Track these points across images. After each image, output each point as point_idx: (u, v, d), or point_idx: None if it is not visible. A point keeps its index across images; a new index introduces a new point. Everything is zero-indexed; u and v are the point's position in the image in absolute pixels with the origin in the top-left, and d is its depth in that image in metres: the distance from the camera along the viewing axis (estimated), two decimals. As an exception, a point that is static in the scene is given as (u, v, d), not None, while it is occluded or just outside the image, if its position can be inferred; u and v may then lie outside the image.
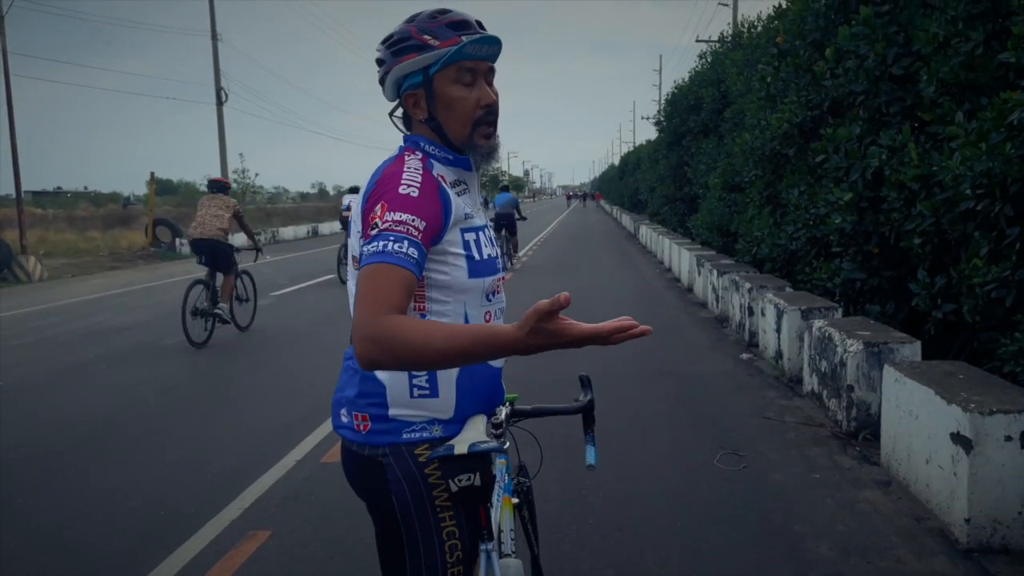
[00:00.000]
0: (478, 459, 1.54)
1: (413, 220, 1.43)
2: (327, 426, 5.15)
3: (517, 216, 16.54)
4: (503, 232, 16.18)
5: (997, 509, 3.29)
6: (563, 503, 3.88)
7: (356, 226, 1.55)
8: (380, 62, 1.61)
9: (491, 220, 24.70)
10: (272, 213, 44.42)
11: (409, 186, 1.48)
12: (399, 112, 1.68)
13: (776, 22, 9.20)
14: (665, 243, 16.32)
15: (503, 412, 1.73)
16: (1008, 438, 3.26)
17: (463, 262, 1.55)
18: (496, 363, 1.69)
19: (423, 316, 1.56)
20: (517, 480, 2.03)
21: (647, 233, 21.38)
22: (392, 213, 1.43)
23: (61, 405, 6.28)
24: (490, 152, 1.63)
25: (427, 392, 1.59)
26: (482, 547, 1.66)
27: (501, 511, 1.76)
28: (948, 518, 3.47)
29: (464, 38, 1.53)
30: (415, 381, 1.58)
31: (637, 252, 20.73)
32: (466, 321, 1.59)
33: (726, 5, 27.96)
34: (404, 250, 1.40)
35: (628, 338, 1.34)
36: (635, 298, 11.61)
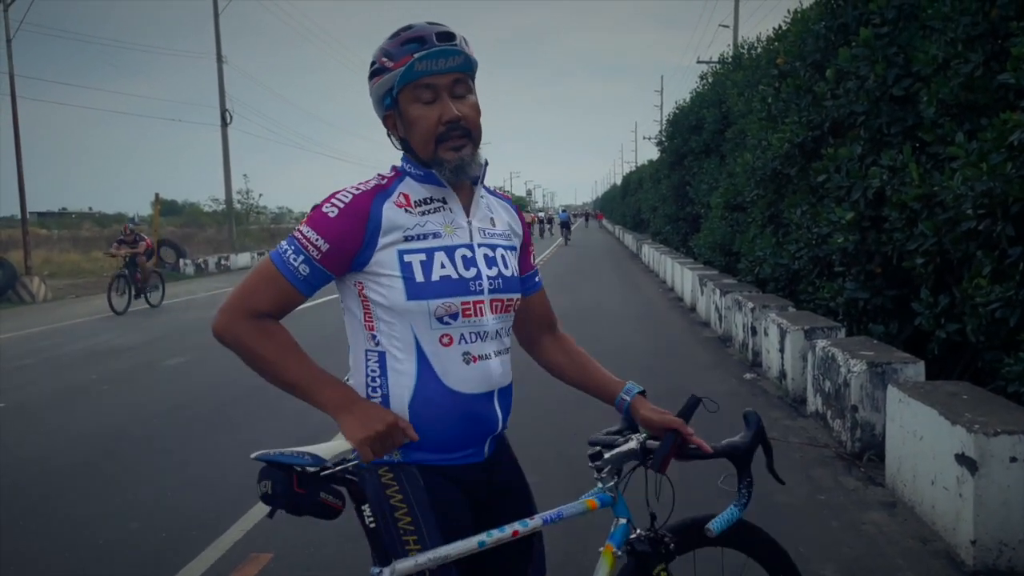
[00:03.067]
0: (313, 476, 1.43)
1: (317, 240, 1.50)
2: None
3: (572, 221, 37.54)
4: (563, 229, 38.41)
5: (1003, 531, 3.26)
6: (565, 523, 3.84)
7: None
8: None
9: (559, 224, 36.03)
10: (276, 233, 44.55)
11: (333, 206, 1.53)
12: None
13: (776, 43, 9.27)
14: (667, 262, 16.33)
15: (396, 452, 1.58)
16: (1013, 459, 3.24)
17: (399, 283, 1.52)
18: (468, 388, 1.57)
19: (374, 336, 1.58)
20: (639, 534, 1.74)
21: (649, 252, 21.40)
22: (306, 227, 1.53)
23: (63, 426, 6.27)
24: (458, 166, 1.55)
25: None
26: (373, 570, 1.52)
27: (600, 562, 1.66)
28: (954, 540, 3.45)
29: (417, 55, 1.49)
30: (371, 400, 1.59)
31: (640, 271, 20.73)
32: (416, 343, 1.54)
33: (727, 27, 28.19)
34: (296, 264, 1.51)
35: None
36: (638, 317, 11.60)
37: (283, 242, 1.55)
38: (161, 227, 29.03)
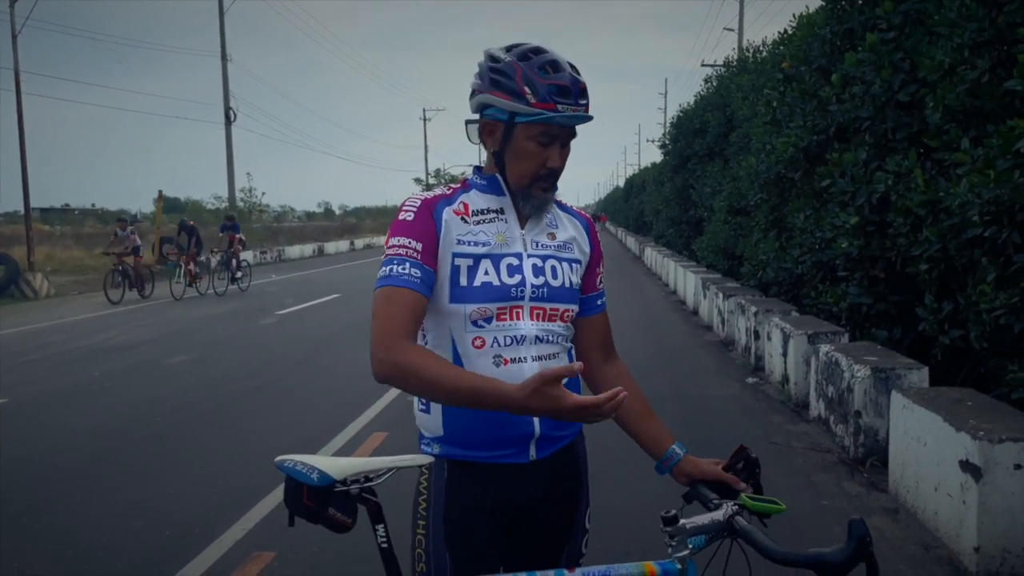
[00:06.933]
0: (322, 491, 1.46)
1: (410, 243, 1.56)
2: (332, 446, 5.13)
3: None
4: None
5: (1007, 538, 3.26)
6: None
7: None
8: (480, 76, 1.61)
9: None
10: (278, 232, 44.59)
11: (408, 211, 1.61)
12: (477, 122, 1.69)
13: (782, 48, 9.28)
14: (670, 265, 16.34)
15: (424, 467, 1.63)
16: (1018, 466, 3.24)
17: (447, 285, 1.59)
18: None
19: (423, 334, 1.64)
20: None
21: (652, 255, 21.40)
22: (394, 238, 1.58)
23: (65, 423, 6.28)
24: (542, 205, 1.65)
25: (424, 408, 1.67)
26: None
27: None
28: (957, 547, 3.44)
29: (560, 107, 1.53)
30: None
31: (642, 274, 20.73)
32: (453, 344, 1.60)
33: (732, 30, 28.22)
34: (407, 271, 1.53)
35: (617, 406, 1.34)
36: (640, 320, 11.59)
37: (382, 269, 1.56)
38: (163, 224, 29.06)
